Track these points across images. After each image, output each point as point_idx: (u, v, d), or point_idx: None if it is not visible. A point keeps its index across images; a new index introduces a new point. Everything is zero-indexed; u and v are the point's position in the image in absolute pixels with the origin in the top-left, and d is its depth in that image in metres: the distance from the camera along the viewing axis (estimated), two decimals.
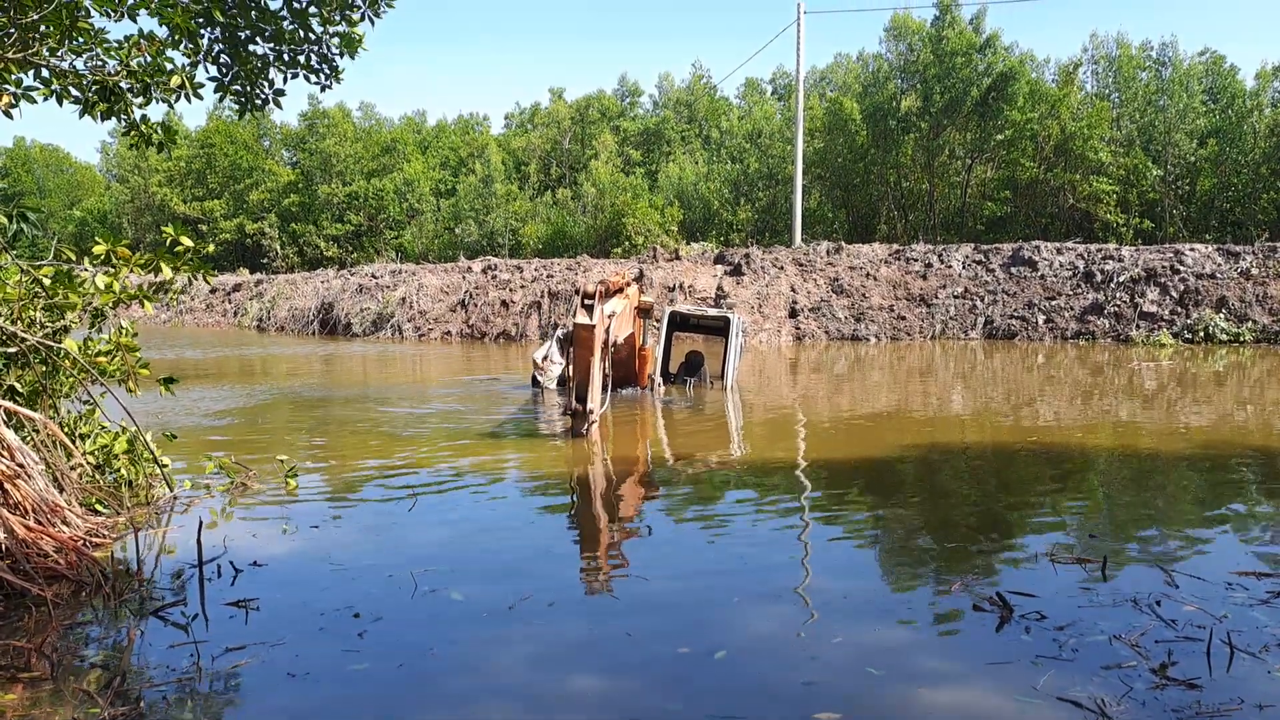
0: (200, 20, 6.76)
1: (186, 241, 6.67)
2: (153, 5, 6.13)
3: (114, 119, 6.75)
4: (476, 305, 29.99)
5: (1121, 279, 25.98)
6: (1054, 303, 26.28)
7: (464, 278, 31.31)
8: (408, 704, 4.08)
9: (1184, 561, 5.90)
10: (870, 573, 5.95)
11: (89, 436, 7.42)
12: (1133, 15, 77.14)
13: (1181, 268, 25.70)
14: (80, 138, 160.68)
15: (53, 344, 6.75)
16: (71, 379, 7.18)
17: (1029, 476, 8.96)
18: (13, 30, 5.99)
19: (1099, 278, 26.29)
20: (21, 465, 5.79)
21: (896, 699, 4.07)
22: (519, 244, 50.65)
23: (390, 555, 6.16)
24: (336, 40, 7.24)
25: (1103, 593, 5.27)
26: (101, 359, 7.22)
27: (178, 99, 6.68)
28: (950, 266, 28.32)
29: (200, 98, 6.69)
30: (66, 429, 7.19)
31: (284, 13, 7.09)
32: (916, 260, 28.85)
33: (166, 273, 6.57)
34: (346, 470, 9.10)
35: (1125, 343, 24.35)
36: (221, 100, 7.34)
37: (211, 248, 7.18)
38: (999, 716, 3.93)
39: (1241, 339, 23.69)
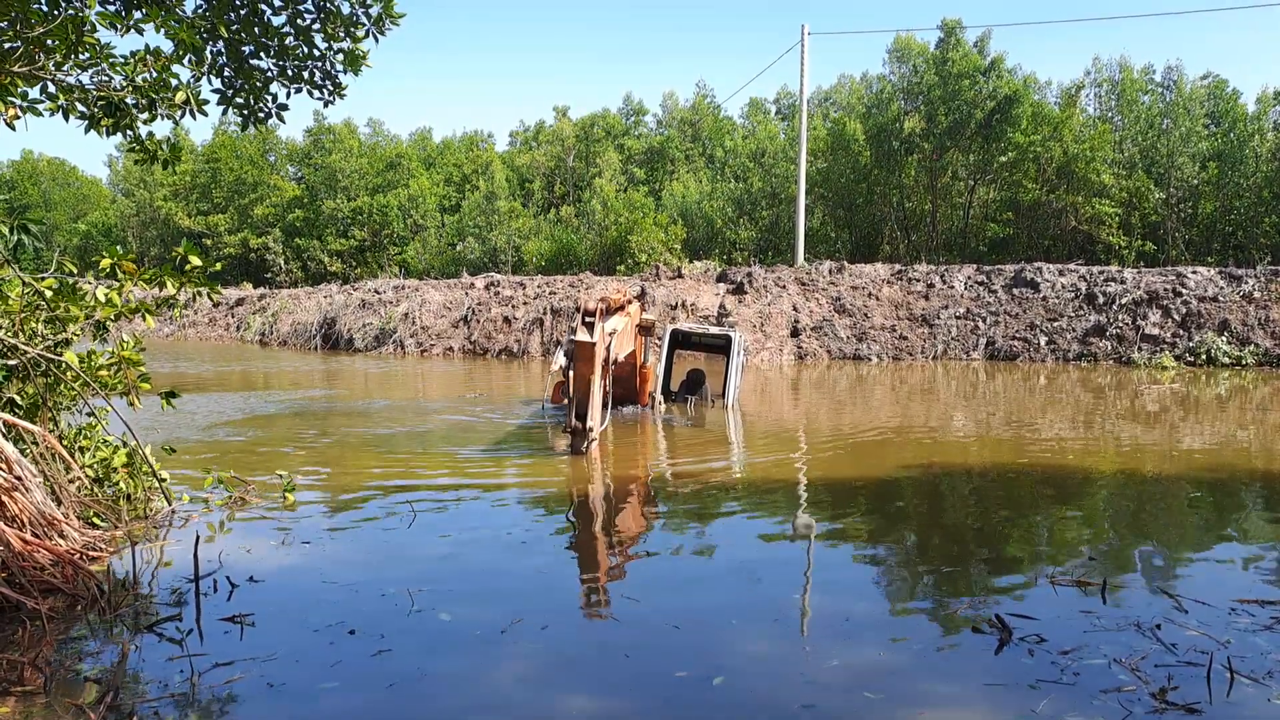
0: (205, 35, 6.80)
1: (196, 260, 6.69)
2: (158, 20, 6.16)
3: (119, 134, 6.78)
4: (479, 321, 30.02)
5: (1124, 301, 25.97)
6: (1056, 324, 26.27)
7: (467, 294, 31.34)
8: None
9: (1186, 586, 5.87)
10: (869, 594, 5.92)
11: (88, 449, 7.41)
12: (1135, 39, 77.61)
13: (1184, 290, 25.70)
14: (88, 152, 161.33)
15: (53, 356, 6.75)
16: (72, 392, 7.18)
17: (1029, 498, 8.93)
18: (19, 44, 6.02)
19: (1101, 299, 26.28)
20: (19, 478, 5.79)
21: None
22: (521, 261, 50.74)
23: (387, 572, 6.13)
24: (340, 57, 7.28)
25: (1103, 616, 5.24)
26: (103, 372, 7.22)
27: (183, 115, 6.71)
28: (952, 287, 28.33)
29: (205, 114, 6.73)
30: (66, 442, 7.18)
31: (288, 29, 7.13)
32: (919, 280, 28.86)
33: (171, 288, 6.59)
34: (345, 485, 9.09)
35: (1127, 365, 24.32)
36: (225, 114, 7.37)
37: (219, 265, 7.20)
38: None
39: (1244, 362, 23.65)
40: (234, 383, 20.68)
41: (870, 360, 26.09)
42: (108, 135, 6.73)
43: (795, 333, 27.33)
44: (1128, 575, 6.19)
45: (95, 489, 7.12)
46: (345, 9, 7.22)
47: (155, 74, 6.35)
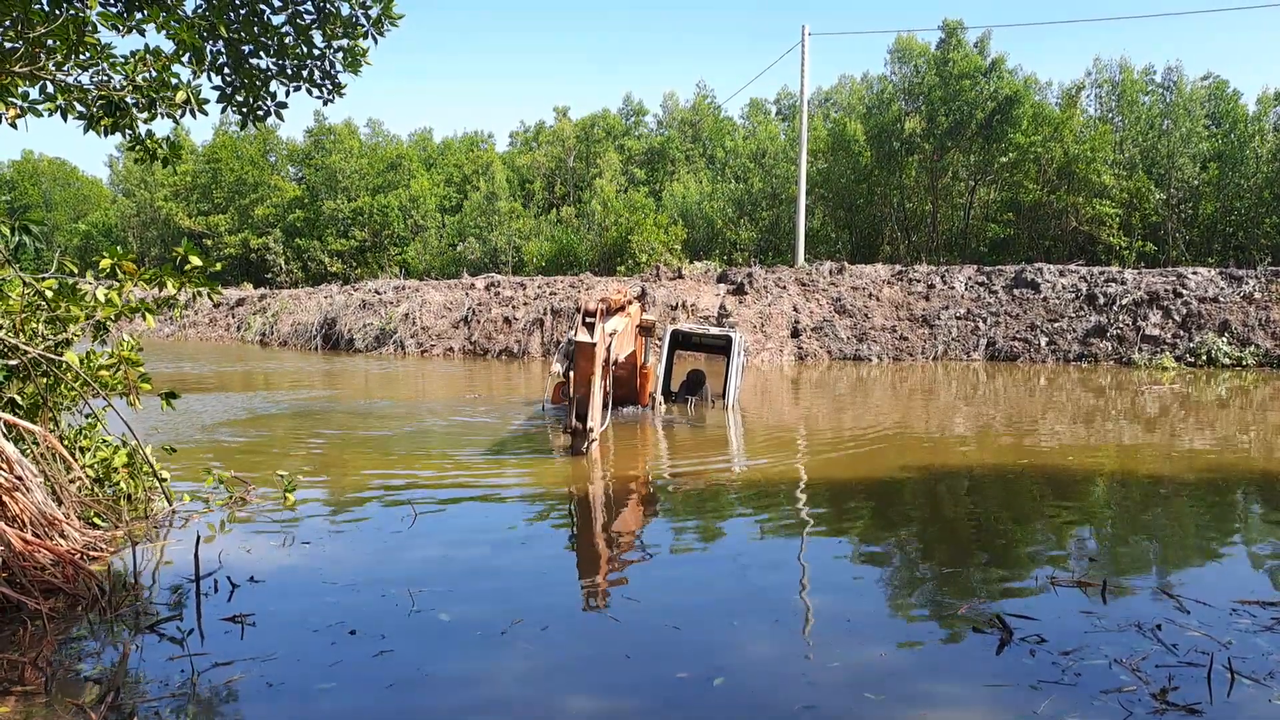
0: (204, 34, 6.81)
1: (196, 260, 6.69)
2: (159, 20, 6.16)
3: (119, 134, 6.78)
4: (479, 322, 30.03)
5: (1124, 302, 25.96)
6: (1056, 325, 26.27)
7: (467, 294, 31.34)
8: None
9: (1186, 587, 5.87)
10: (870, 595, 5.92)
11: (89, 450, 7.41)
12: (1135, 40, 77.70)
13: (1184, 291, 25.69)
14: (88, 152, 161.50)
15: (54, 357, 6.75)
16: (73, 392, 7.18)
17: (1030, 499, 8.93)
18: (20, 44, 6.02)
19: (1101, 300, 26.28)
20: (20, 478, 5.79)
21: None
22: (522, 261, 50.75)
23: (387, 572, 6.13)
24: (340, 56, 7.28)
25: (1104, 616, 5.24)
26: (104, 372, 7.22)
27: (183, 114, 6.72)
28: (953, 288, 28.33)
29: (205, 113, 6.73)
30: (66, 442, 7.18)
31: (287, 28, 7.13)
32: (919, 281, 28.85)
33: (171, 288, 6.59)
34: (346, 486, 9.09)
35: (1128, 365, 24.32)
36: (224, 111, 7.38)
37: (220, 266, 7.20)
38: None
39: (1244, 363, 23.65)
40: (235, 383, 20.68)
41: (871, 361, 26.09)
42: (106, 135, 6.73)
43: (796, 333, 27.34)
44: (1128, 576, 6.19)
45: (96, 489, 7.12)
46: (345, 10, 7.23)
47: (155, 74, 6.36)
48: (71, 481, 6.74)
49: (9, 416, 6.29)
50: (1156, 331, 25.12)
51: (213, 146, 69.11)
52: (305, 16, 7.14)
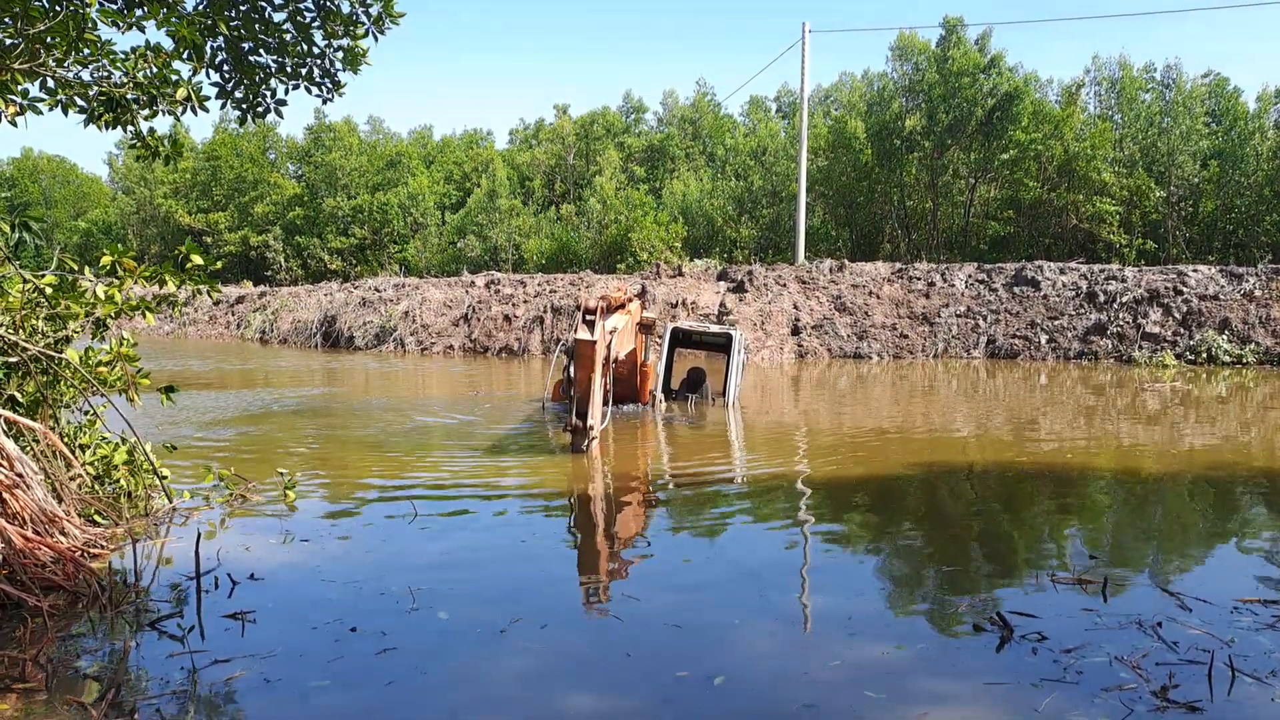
0: (204, 31, 6.79)
1: (198, 259, 6.69)
2: (159, 17, 6.15)
3: (120, 130, 6.77)
4: (479, 320, 30.01)
5: (1124, 299, 25.96)
6: (1056, 322, 26.27)
7: (467, 292, 31.33)
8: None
9: (1188, 584, 5.87)
10: (870, 593, 5.91)
11: (89, 447, 7.41)
12: (1135, 38, 77.71)
13: (1184, 289, 25.68)
14: (87, 149, 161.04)
15: (54, 354, 6.75)
16: (72, 389, 7.17)
17: (1030, 497, 8.92)
18: (19, 40, 6.01)
19: (1102, 298, 26.27)
20: (21, 475, 5.78)
21: None
22: (522, 259, 50.73)
23: (387, 571, 6.13)
24: (340, 54, 7.27)
25: (1104, 614, 5.24)
26: (103, 369, 7.22)
27: (184, 111, 6.71)
28: (953, 285, 28.31)
29: (206, 110, 6.72)
30: (66, 439, 7.18)
31: (287, 25, 7.12)
32: (919, 279, 28.84)
33: (171, 285, 6.58)
34: (346, 484, 9.08)
35: (1128, 363, 24.31)
36: (224, 108, 7.36)
37: (220, 264, 7.20)
38: None
39: (1244, 361, 23.65)
40: (235, 381, 20.67)
41: (871, 358, 26.08)
42: (108, 130, 6.71)
43: (796, 331, 27.33)
44: (1129, 573, 6.18)
45: (96, 486, 7.12)
46: (345, 8, 7.22)
47: (156, 70, 6.34)
48: (72, 479, 6.73)
49: (9, 414, 6.29)
50: (1157, 329, 25.11)
51: (212, 144, 69.04)
52: (306, 14, 7.13)
